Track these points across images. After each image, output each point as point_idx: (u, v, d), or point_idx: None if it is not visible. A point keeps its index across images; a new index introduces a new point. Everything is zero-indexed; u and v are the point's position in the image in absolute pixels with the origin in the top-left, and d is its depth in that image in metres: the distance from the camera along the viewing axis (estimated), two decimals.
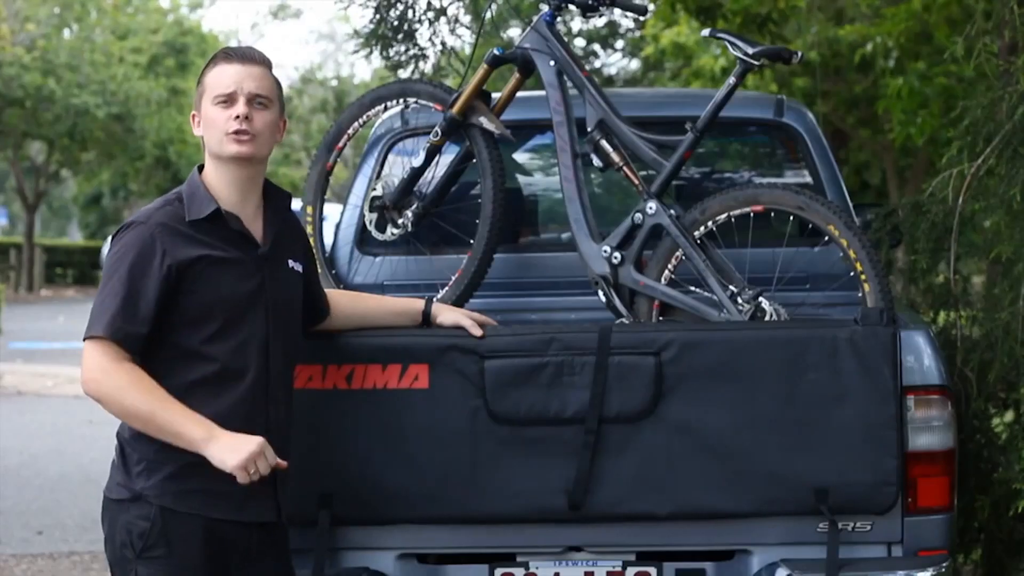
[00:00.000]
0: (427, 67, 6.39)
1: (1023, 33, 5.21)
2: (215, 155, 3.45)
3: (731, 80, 4.16)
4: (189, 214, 3.40)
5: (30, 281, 32.36)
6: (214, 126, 3.43)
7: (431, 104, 4.51)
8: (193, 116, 3.52)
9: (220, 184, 3.46)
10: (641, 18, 4.59)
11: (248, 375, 3.40)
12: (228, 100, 3.43)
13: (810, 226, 4.11)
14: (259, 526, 3.45)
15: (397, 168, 4.72)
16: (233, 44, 42.54)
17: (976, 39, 5.18)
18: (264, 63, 3.50)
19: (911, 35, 11.73)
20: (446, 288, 4.35)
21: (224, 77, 3.45)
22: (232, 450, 3.26)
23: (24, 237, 34.11)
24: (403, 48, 6.33)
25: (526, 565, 3.92)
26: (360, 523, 3.88)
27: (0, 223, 43.58)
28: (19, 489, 8.97)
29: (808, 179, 4.81)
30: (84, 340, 3.34)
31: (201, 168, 3.52)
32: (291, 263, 3.58)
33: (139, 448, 3.37)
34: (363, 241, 4.77)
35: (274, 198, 3.57)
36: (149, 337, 3.33)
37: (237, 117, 3.40)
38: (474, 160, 4.40)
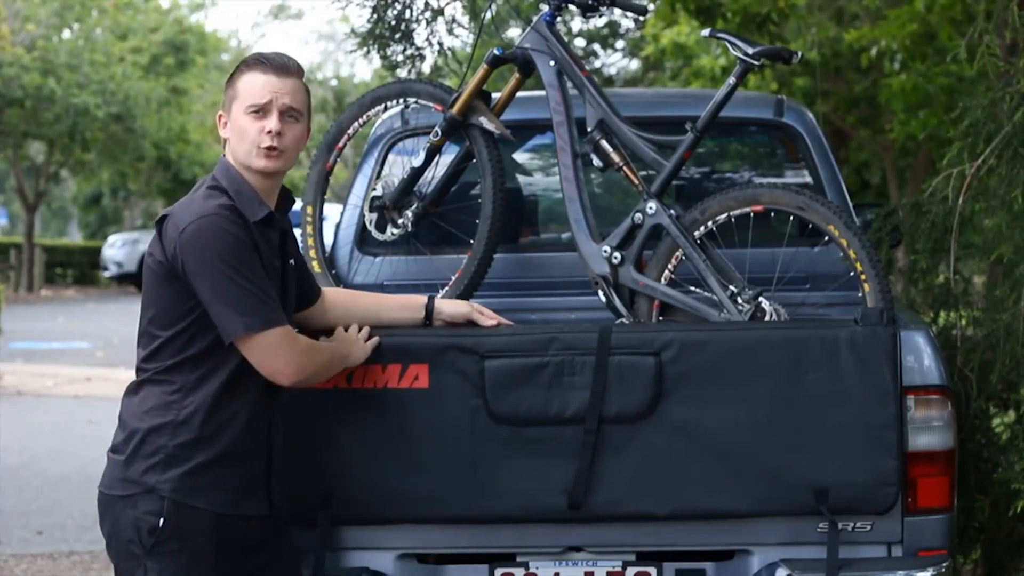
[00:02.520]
0: (424, 67, 6.39)
1: (1023, 34, 5.21)
2: (243, 165, 3.50)
3: (731, 80, 4.16)
4: (246, 214, 3.44)
5: (30, 281, 32.35)
6: (245, 136, 3.47)
7: (431, 104, 4.51)
8: (220, 116, 3.55)
9: (253, 185, 3.52)
10: (641, 18, 4.58)
11: (261, 374, 3.46)
12: (261, 111, 3.46)
13: (810, 226, 4.11)
14: (259, 519, 3.51)
15: (397, 168, 4.72)
16: (233, 44, 42.66)
17: (978, 40, 5.18)
18: (298, 73, 3.54)
19: (916, 37, 11.72)
20: (446, 288, 4.35)
21: (258, 87, 3.47)
22: (354, 346, 3.73)
23: (24, 237, 34.09)
24: (400, 48, 6.33)
25: (526, 565, 3.92)
26: (360, 523, 3.88)
27: (0, 223, 43.57)
28: (19, 489, 8.97)
29: (808, 179, 4.81)
30: (240, 339, 3.36)
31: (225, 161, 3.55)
32: (292, 261, 3.64)
33: (155, 441, 3.39)
34: (363, 241, 4.77)
35: (283, 199, 3.62)
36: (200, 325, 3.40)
37: (270, 132, 3.45)
38: (474, 160, 4.40)
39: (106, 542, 3.47)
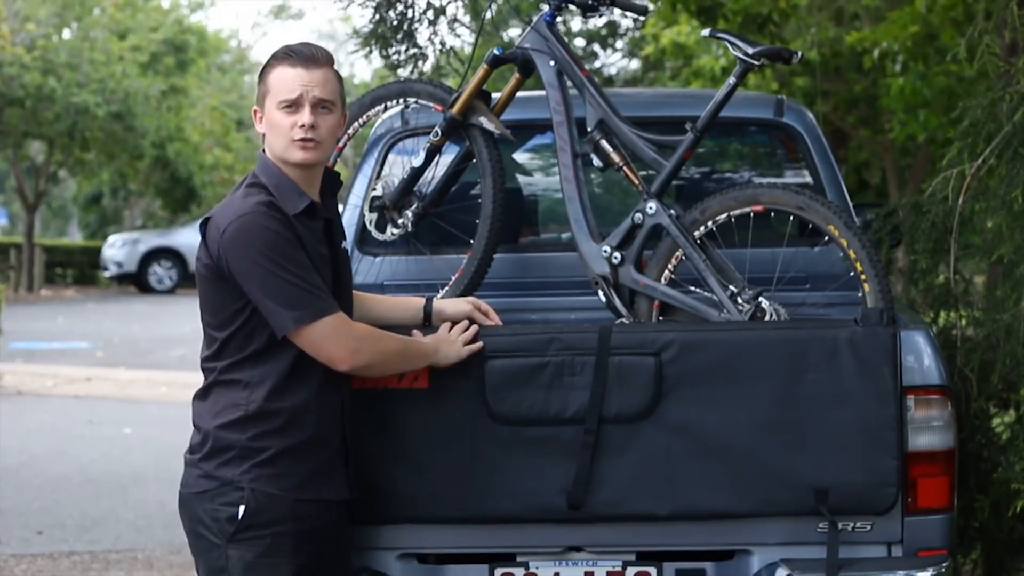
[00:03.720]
0: (426, 67, 6.39)
1: (1023, 33, 5.22)
2: (280, 158, 3.54)
3: (731, 80, 4.16)
4: (286, 208, 3.48)
5: (30, 281, 32.33)
6: (279, 131, 3.51)
7: (431, 104, 4.51)
8: (255, 112, 3.60)
9: (293, 178, 3.55)
10: (641, 18, 4.58)
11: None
12: (293, 106, 3.50)
13: (810, 226, 4.11)
14: (336, 505, 3.58)
15: (397, 168, 4.72)
16: (234, 44, 42.67)
17: (977, 39, 5.18)
18: (327, 63, 3.56)
19: (917, 39, 11.72)
20: (446, 288, 4.35)
21: (288, 81, 3.50)
22: (449, 345, 3.72)
23: (24, 237, 34.07)
24: (403, 48, 6.33)
25: (526, 565, 3.92)
26: (360, 523, 3.88)
27: (0, 223, 43.55)
28: (19, 489, 8.97)
29: (808, 179, 4.81)
30: (292, 332, 3.42)
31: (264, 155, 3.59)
32: (344, 244, 3.71)
33: (228, 438, 3.47)
34: (363, 241, 4.77)
35: (329, 183, 3.67)
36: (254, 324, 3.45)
37: (303, 126, 3.48)
38: (474, 160, 4.40)
39: (188, 541, 3.56)
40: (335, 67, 3.59)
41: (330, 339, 3.44)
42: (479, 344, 3.77)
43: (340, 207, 4.90)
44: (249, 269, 3.41)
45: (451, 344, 3.74)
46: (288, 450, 3.47)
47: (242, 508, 3.44)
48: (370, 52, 6.41)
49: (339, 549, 3.64)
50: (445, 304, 3.97)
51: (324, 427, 3.55)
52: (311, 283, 3.43)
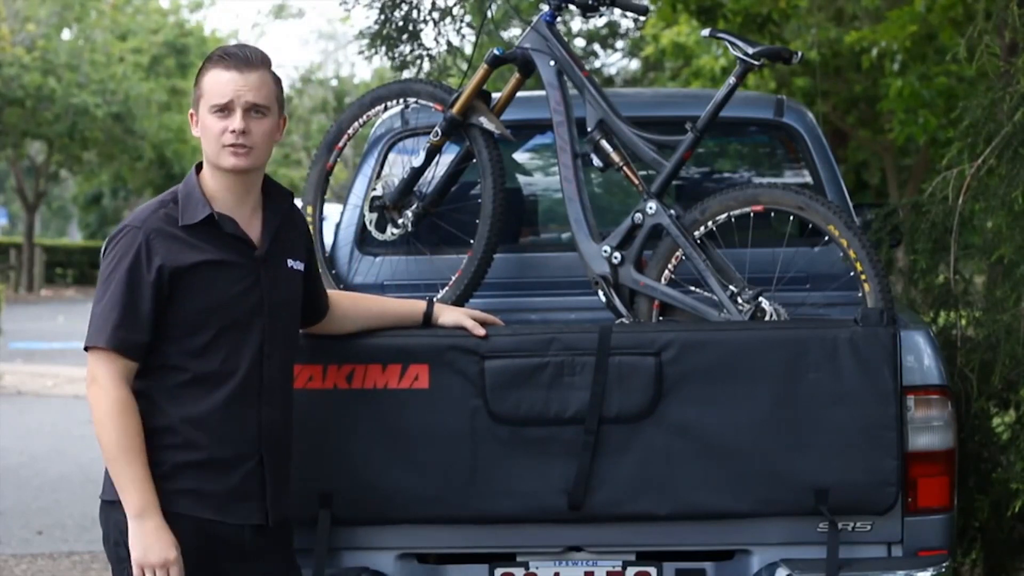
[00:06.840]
0: (432, 67, 6.39)
1: (1023, 34, 5.21)
2: (212, 164, 3.42)
3: (731, 80, 4.16)
4: (182, 218, 3.37)
5: (30, 281, 32.36)
6: (211, 136, 3.38)
7: (431, 104, 4.51)
8: (191, 115, 3.47)
9: (216, 187, 3.43)
10: (641, 18, 4.59)
11: (237, 376, 3.38)
12: (224, 110, 3.37)
13: (810, 226, 4.11)
14: (252, 526, 3.43)
15: (397, 168, 4.72)
16: (233, 43, 42.54)
17: (977, 39, 5.18)
18: (262, 65, 3.41)
19: (916, 38, 11.72)
20: (446, 288, 4.35)
21: (220, 85, 3.36)
22: (144, 546, 3.27)
23: (24, 237, 34.11)
24: (408, 48, 6.33)
25: (526, 565, 3.92)
26: (360, 523, 3.88)
27: (0, 223, 43.57)
28: (19, 489, 8.97)
29: (808, 179, 4.81)
30: (86, 349, 3.33)
31: (200, 166, 3.48)
32: (291, 262, 3.54)
33: None
34: (363, 241, 4.77)
35: (274, 197, 3.53)
36: (149, 345, 3.33)
37: (234, 131, 3.35)
38: (474, 160, 4.40)
39: (102, 542, 3.46)
40: (272, 69, 3.44)
41: (91, 368, 3.30)
42: (137, 566, 3.29)
43: (341, 209, 4.92)
44: (99, 276, 3.36)
45: (144, 540, 3.27)
46: (185, 466, 3.34)
47: None
48: (375, 53, 6.40)
49: (267, 568, 3.48)
50: (442, 310, 3.91)
51: (231, 446, 3.39)
52: (126, 308, 3.29)
